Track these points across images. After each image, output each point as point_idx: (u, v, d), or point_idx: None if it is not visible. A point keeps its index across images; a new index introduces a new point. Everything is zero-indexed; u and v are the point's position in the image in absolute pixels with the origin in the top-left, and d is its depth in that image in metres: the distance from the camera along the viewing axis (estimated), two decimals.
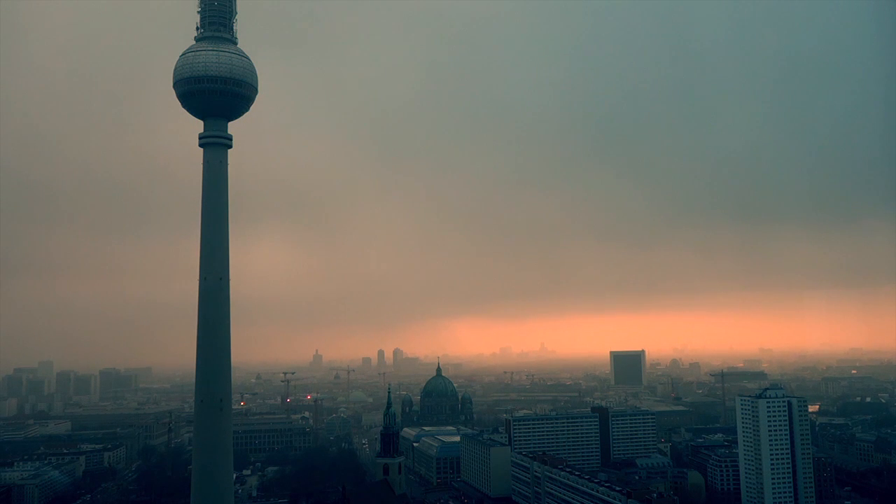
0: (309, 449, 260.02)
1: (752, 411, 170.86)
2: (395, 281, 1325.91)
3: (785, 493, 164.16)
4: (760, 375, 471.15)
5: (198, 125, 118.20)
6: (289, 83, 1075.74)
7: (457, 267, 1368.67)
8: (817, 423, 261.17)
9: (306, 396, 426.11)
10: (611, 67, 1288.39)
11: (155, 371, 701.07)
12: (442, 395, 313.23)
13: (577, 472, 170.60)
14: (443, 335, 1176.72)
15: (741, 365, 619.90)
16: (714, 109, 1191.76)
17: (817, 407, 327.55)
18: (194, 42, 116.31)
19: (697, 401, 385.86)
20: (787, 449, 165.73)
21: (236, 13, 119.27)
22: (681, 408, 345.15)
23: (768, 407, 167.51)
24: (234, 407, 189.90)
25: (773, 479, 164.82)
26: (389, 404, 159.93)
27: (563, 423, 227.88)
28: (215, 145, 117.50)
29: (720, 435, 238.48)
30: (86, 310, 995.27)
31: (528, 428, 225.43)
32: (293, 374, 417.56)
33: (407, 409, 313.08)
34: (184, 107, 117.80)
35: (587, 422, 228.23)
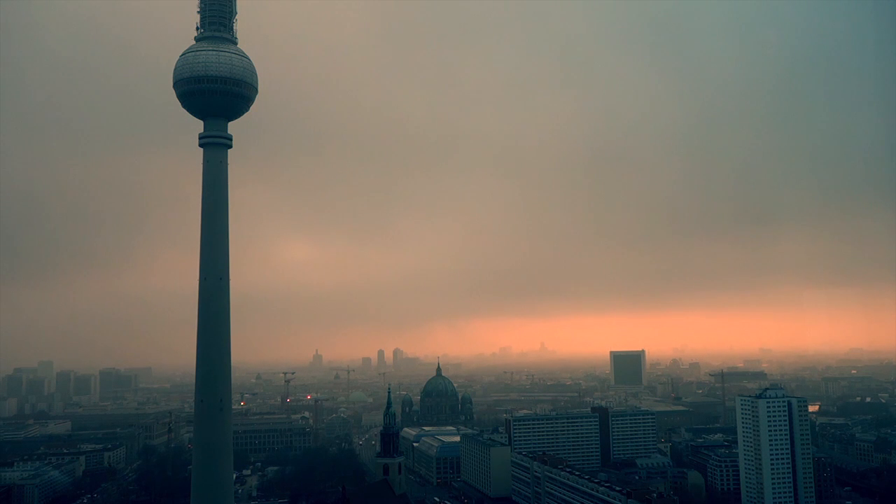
0: (309, 449, 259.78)
1: (752, 411, 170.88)
2: (395, 281, 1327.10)
3: (785, 493, 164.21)
4: (760, 375, 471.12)
5: (198, 125, 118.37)
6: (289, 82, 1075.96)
7: (456, 267, 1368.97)
8: (817, 423, 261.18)
9: (306, 396, 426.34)
10: (606, 69, 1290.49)
11: (155, 371, 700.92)
12: (442, 395, 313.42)
13: (577, 472, 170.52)
14: (443, 335, 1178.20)
15: (741, 365, 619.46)
16: (713, 110, 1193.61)
17: (817, 407, 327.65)
18: (194, 42, 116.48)
19: (697, 401, 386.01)
20: (787, 449, 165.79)
21: (236, 13, 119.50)
22: (681, 408, 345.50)
23: (768, 407, 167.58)
24: (234, 407, 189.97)
25: (773, 479, 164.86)
26: (389, 404, 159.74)
27: (563, 423, 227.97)
28: (215, 145, 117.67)
29: (720, 435, 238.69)
30: (86, 310, 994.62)
31: (528, 428, 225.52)
32: (293, 374, 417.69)
33: (407, 409, 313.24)
34: (184, 107, 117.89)
35: (587, 422, 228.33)
